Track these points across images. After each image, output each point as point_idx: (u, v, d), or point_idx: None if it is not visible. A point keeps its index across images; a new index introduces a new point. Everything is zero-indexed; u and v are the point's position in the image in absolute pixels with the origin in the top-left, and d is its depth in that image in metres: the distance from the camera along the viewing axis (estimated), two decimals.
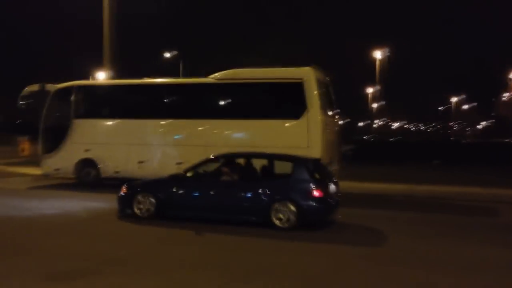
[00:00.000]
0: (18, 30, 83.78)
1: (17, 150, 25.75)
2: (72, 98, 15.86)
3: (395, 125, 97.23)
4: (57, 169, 16.05)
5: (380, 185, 17.53)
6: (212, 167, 10.50)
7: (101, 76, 59.67)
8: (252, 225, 9.54)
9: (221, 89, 14.69)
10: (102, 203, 12.29)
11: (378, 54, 52.77)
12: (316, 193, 9.40)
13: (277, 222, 9.39)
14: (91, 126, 15.85)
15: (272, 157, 10.83)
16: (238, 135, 14.48)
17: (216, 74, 14.65)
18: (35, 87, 16.59)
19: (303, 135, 13.52)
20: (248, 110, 14.51)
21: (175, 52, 46.98)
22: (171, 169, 12.38)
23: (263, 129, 14.03)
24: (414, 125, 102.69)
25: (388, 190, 16.63)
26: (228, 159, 10.59)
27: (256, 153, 11.54)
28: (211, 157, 10.73)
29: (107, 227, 9.69)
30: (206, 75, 15.03)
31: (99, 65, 23.15)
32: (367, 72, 62.42)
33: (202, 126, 14.67)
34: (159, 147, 14.91)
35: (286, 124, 13.90)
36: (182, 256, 7.52)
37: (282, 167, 10.48)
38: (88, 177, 15.71)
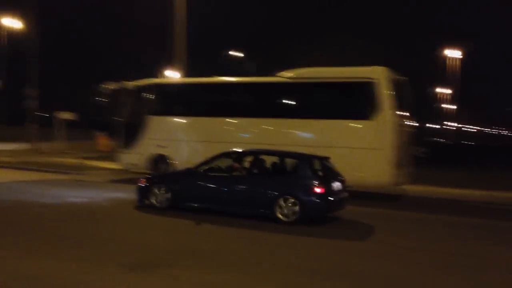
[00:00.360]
0: (91, 31, 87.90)
1: (95, 145, 27.07)
2: (148, 95, 16.49)
3: (469, 127, 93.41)
4: (134, 164, 16.76)
5: (456, 190, 16.78)
6: (224, 163, 11.07)
7: (169, 75, 61.31)
8: (256, 218, 9.94)
9: (294, 88, 14.74)
10: None
11: (451, 53, 50.92)
12: (317, 190, 9.75)
13: (280, 216, 9.75)
14: (165, 123, 16.42)
15: (280, 155, 11.13)
16: (307, 135, 14.49)
17: (288, 73, 14.70)
18: (113, 85, 17.41)
19: (374, 136, 13.33)
20: (319, 110, 14.49)
21: (238, 51, 47.66)
22: None
23: (334, 129, 13.95)
24: (494, 128, 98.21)
25: (465, 195, 15.89)
26: (239, 156, 11.12)
27: (266, 150, 11.90)
28: (223, 152, 11.15)
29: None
30: (272, 74, 15.13)
31: (165, 63, 23.91)
32: (439, 73, 60.36)
33: (273, 125, 14.79)
34: (229, 145, 15.16)
35: (357, 125, 13.75)
36: (254, 254, 7.66)
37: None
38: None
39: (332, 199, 9.98)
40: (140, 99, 16.76)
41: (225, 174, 10.77)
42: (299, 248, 8.15)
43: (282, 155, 11.10)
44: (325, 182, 9.96)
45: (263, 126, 14.96)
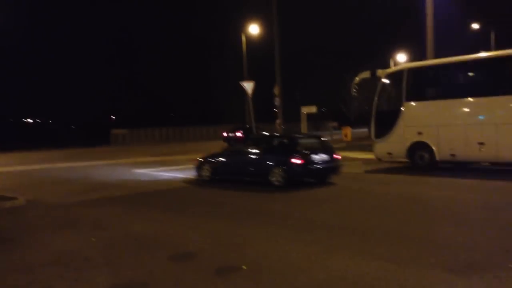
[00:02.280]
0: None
1: (341, 135, 27.49)
2: (403, 81, 15.71)
3: None
4: (389, 153, 16.22)
5: None
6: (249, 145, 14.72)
7: (402, 59, 58.97)
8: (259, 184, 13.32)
9: None
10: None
11: None
12: (297, 161, 12.78)
13: (273, 180, 12.91)
14: (424, 108, 15.41)
15: (279, 137, 15.24)
16: None
17: None
18: (366, 74, 17.13)
19: None
20: None
21: (482, 24, 42.90)
22: None
23: None
24: None
25: None
26: (256, 138, 16.92)
27: (271, 135, 16.33)
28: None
29: None
30: None
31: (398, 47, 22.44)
32: None
33: None
34: (503, 126, 13.44)
35: None
36: None
37: None
38: (421, 161, 15.36)
39: (312, 168, 12.97)
40: (394, 85, 16.10)
41: (244, 153, 14.36)
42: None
43: (281, 137, 15.20)
44: (306, 156, 12.95)
45: None
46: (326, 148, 13.84)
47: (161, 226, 8.75)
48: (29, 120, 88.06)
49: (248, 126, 37.00)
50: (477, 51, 15.30)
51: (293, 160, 12.75)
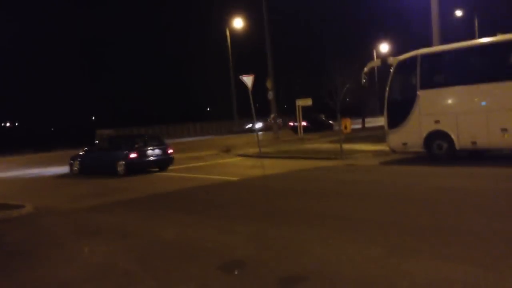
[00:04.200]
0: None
1: (340, 128, 26.89)
2: (417, 68, 15.12)
3: None
4: (405, 144, 15.67)
5: None
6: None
7: (384, 49, 58.77)
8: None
9: None
10: None
11: None
12: (132, 155, 17.27)
13: (119, 170, 17.28)
14: (440, 95, 14.87)
15: (124, 136, 22.25)
16: None
17: None
18: (376, 63, 16.56)
19: None
20: None
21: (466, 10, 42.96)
22: None
23: None
24: None
25: None
26: (107, 139, 23.78)
27: (119, 135, 22.83)
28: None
29: None
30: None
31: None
32: None
33: None
34: None
35: None
36: None
37: None
38: (440, 151, 14.84)
39: (145, 160, 17.49)
40: (408, 72, 15.52)
41: (98, 153, 18.90)
42: None
43: (123, 137, 20.70)
44: (139, 151, 17.41)
45: None
46: (159, 144, 18.28)
47: (193, 230, 8.04)
48: (7, 124, 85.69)
49: (312, 116, 41.14)
50: (462, 40, 14.91)
51: (131, 155, 17.20)
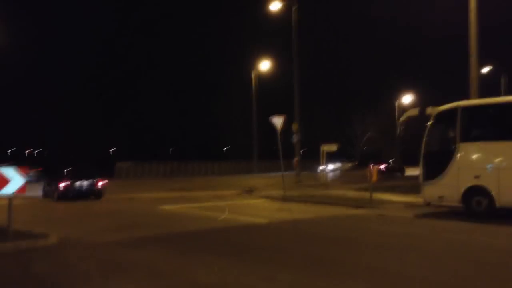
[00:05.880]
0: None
1: (366, 175, 26.28)
2: (457, 120, 14.65)
3: None
4: (441, 197, 15.01)
5: None
6: None
7: (407, 100, 58.74)
8: None
9: None
10: None
11: None
12: (61, 185, 20.77)
13: (54, 196, 21.09)
14: (481, 149, 14.33)
15: (60, 168, 23.85)
16: None
17: None
18: (414, 112, 16.15)
19: None
20: None
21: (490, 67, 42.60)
22: None
23: None
24: None
25: None
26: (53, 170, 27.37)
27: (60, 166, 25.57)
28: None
29: None
30: None
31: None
32: None
33: None
34: None
35: None
36: None
37: None
38: (479, 207, 14.16)
39: (74, 189, 20.90)
40: (448, 124, 15.06)
41: (50, 182, 22.34)
42: None
43: (60, 168, 23.28)
44: (69, 181, 20.95)
45: None
46: (90, 177, 21.60)
47: (228, 274, 7.53)
48: (29, 151, 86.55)
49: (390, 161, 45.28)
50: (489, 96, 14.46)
51: (60, 184, 20.65)
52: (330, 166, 47.21)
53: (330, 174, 44.01)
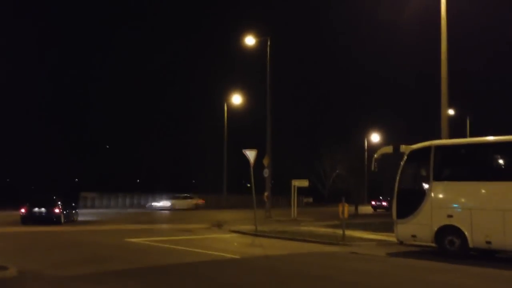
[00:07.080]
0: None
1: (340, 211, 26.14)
2: (430, 159, 14.71)
3: None
4: (414, 236, 14.93)
5: None
6: None
7: (375, 139, 59.66)
8: None
9: None
10: None
11: None
12: (22, 210, 23.68)
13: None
14: (454, 189, 14.39)
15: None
16: None
17: None
18: (388, 149, 16.20)
19: None
20: None
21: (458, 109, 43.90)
22: None
23: None
24: None
25: None
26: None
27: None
28: None
29: None
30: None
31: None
32: None
33: None
34: None
35: None
36: None
37: None
38: (452, 247, 14.11)
39: (33, 215, 23.43)
40: (420, 163, 15.15)
41: None
42: None
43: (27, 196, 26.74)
44: (29, 208, 23.58)
45: None
46: (48, 205, 23.76)
47: None
48: None
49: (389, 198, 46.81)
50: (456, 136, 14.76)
51: (21, 210, 23.51)
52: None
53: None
